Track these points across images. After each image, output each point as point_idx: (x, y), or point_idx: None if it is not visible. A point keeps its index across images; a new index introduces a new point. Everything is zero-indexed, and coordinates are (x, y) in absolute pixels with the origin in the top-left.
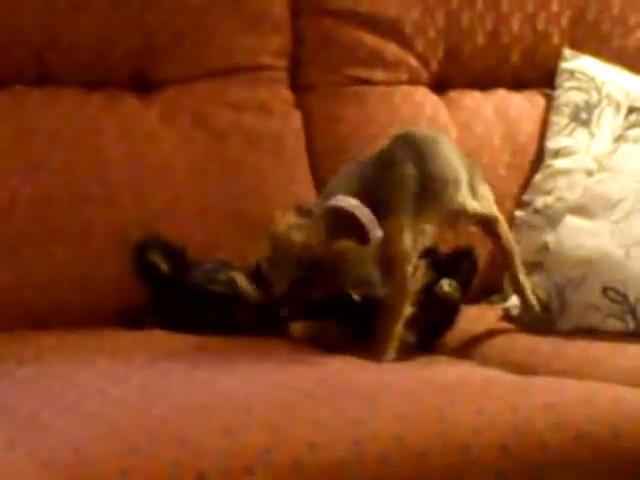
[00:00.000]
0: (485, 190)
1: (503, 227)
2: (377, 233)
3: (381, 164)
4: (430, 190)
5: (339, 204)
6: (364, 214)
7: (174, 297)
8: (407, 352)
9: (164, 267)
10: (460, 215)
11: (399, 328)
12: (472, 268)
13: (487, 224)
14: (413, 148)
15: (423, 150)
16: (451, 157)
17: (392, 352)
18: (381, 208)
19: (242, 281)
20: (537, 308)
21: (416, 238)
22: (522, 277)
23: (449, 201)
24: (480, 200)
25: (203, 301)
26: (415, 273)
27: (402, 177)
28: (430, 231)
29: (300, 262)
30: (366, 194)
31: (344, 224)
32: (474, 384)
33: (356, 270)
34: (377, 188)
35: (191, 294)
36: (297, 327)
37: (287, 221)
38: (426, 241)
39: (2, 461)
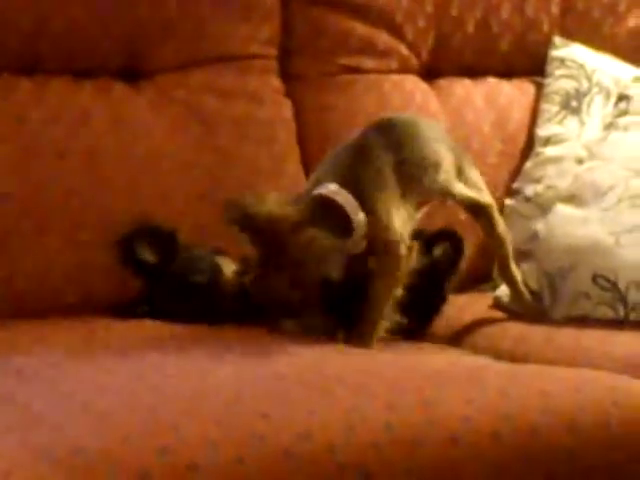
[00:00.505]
0: (476, 176)
1: (495, 214)
2: (359, 217)
3: (358, 151)
4: (408, 174)
5: (321, 191)
6: (346, 200)
7: (160, 288)
8: (400, 335)
9: (151, 258)
10: (446, 197)
11: (388, 310)
12: (457, 249)
13: (478, 210)
14: (388, 133)
15: (398, 135)
16: (431, 140)
17: (380, 334)
18: (364, 194)
19: (227, 268)
20: (528, 297)
21: (404, 220)
22: (513, 266)
23: (431, 183)
24: (470, 186)
25: (186, 292)
26: (410, 254)
27: (378, 163)
28: (415, 214)
29: (264, 235)
30: (347, 181)
31: (327, 211)
32: (465, 372)
33: (322, 260)
34: (357, 175)
35: (175, 285)
36: (289, 323)
37: (275, 198)
38: (414, 223)
39: None
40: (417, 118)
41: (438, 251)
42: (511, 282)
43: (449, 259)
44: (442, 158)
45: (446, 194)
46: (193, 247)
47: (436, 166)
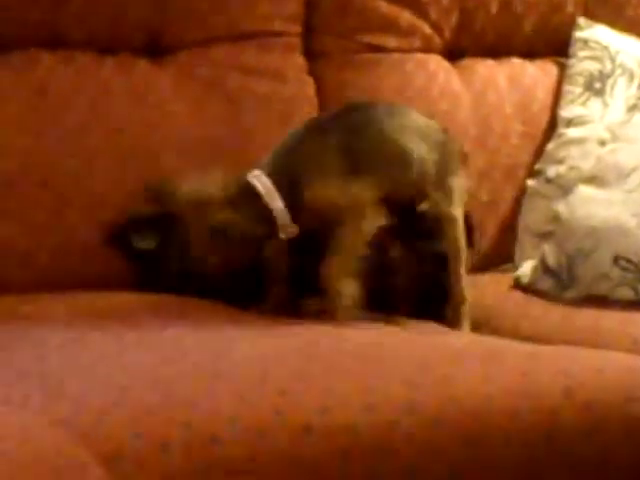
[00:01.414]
0: (457, 185)
1: (452, 231)
2: (277, 204)
3: (305, 133)
4: (362, 161)
5: (247, 177)
6: (264, 187)
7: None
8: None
9: (149, 243)
10: (421, 199)
11: (345, 282)
12: (468, 227)
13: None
14: (346, 117)
15: (357, 120)
16: (398, 132)
17: (345, 310)
18: (301, 178)
19: None
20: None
21: (357, 190)
22: (457, 285)
23: (398, 176)
24: (446, 195)
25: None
26: (373, 215)
27: (322, 146)
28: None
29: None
30: (285, 165)
31: (251, 198)
32: (484, 351)
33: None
34: (296, 158)
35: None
36: (309, 303)
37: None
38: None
39: (16, 420)
40: (392, 108)
41: None
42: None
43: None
44: (411, 153)
45: (421, 195)
46: None
47: (403, 161)
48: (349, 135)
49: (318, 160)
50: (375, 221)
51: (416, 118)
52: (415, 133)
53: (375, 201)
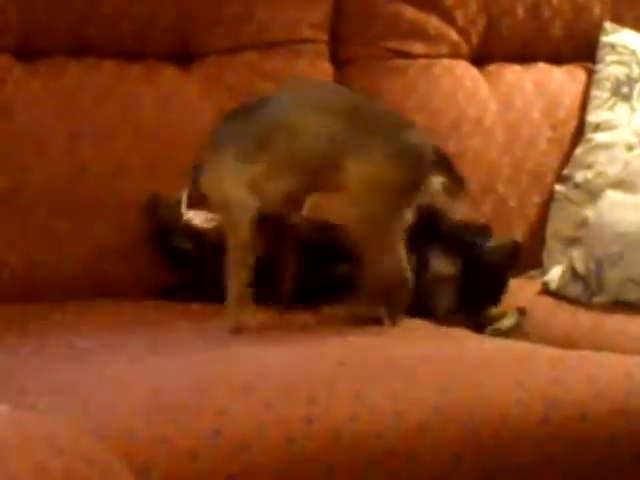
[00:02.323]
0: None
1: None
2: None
3: (229, 115)
4: (257, 145)
5: None
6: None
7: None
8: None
9: (189, 245)
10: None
11: (239, 283)
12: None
13: None
14: (258, 103)
15: (262, 105)
16: (300, 108)
17: (236, 315)
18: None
19: None
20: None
21: (241, 181)
22: None
23: (298, 152)
24: None
25: None
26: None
27: (229, 123)
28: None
29: None
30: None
31: None
32: (515, 357)
33: None
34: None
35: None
36: (336, 310)
37: None
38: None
39: (45, 427)
40: (297, 88)
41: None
42: None
43: (507, 250)
44: (309, 129)
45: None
46: None
47: (293, 134)
48: (250, 120)
49: (215, 147)
50: (243, 213)
51: (321, 94)
52: (311, 108)
53: (245, 192)
